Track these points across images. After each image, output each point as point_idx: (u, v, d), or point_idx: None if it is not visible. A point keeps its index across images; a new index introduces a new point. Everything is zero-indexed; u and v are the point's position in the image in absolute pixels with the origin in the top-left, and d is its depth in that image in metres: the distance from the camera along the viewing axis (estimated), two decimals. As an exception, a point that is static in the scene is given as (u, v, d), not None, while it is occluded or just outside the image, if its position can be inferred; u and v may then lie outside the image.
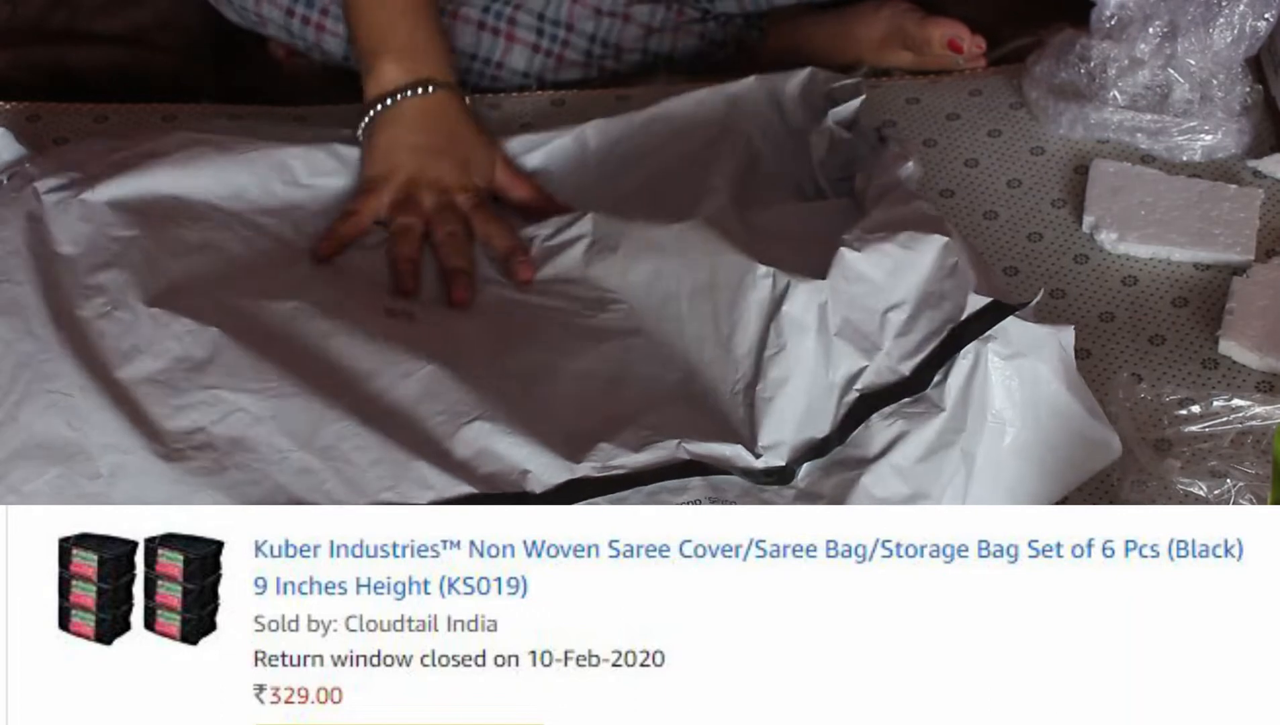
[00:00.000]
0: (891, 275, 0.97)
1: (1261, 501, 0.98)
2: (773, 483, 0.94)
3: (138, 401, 0.94)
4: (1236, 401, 1.03)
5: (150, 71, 1.38)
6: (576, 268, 1.08)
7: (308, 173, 1.13)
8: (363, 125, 1.15)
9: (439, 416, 0.95)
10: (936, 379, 0.94)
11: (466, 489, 0.91)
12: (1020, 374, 0.93)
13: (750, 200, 1.12)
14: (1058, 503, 0.96)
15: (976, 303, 0.94)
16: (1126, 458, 1.01)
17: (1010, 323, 0.93)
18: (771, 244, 1.04)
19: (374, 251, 1.10)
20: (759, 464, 0.95)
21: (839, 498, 0.92)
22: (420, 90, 1.14)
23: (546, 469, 0.92)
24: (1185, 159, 1.24)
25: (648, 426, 0.96)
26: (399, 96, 1.14)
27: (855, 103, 1.18)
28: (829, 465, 0.95)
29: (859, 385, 0.95)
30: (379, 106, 1.14)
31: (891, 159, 1.12)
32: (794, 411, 0.96)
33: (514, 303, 1.07)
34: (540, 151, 1.20)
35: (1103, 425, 0.96)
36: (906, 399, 0.94)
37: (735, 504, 0.91)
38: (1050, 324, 0.94)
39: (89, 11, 1.42)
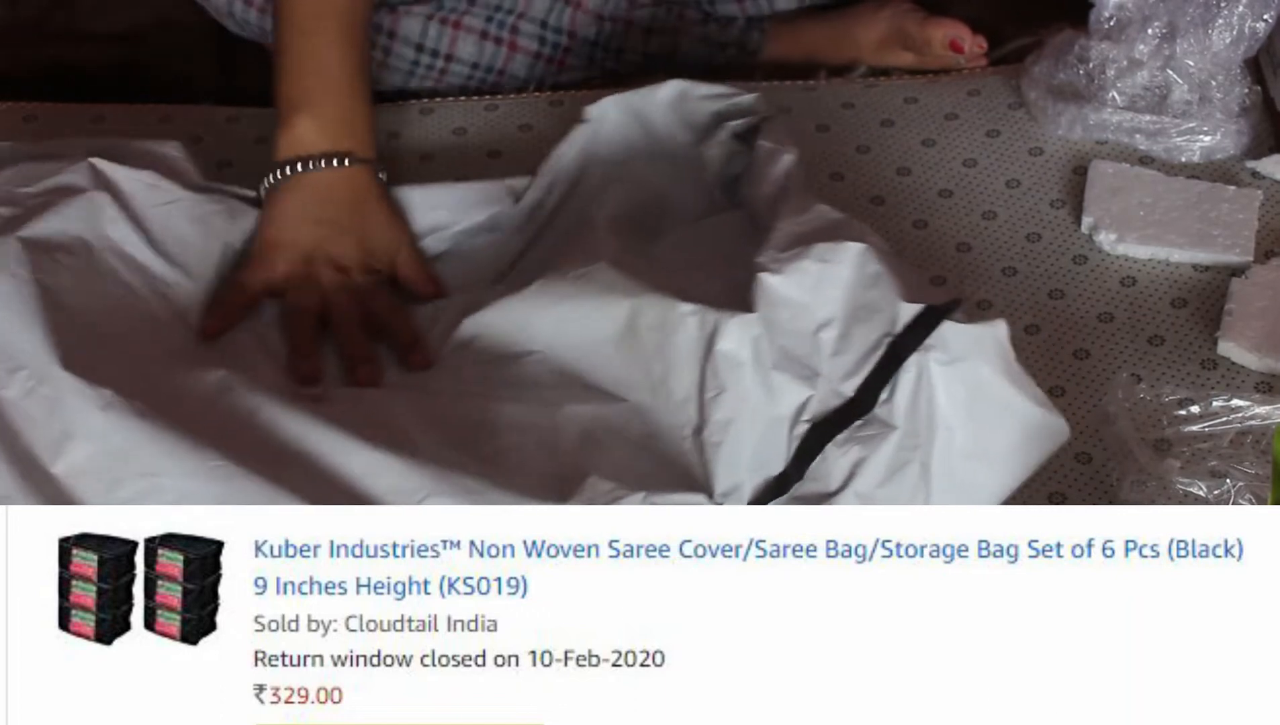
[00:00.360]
0: (814, 292, 0.95)
1: (1261, 501, 0.98)
2: None
3: (78, 501, 0.90)
4: (1236, 402, 1.03)
5: (150, 71, 1.39)
6: (477, 326, 1.03)
7: (231, 231, 1.09)
8: (267, 183, 1.08)
9: (388, 497, 0.91)
10: (883, 397, 0.92)
11: None
12: (963, 378, 0.91)
13: (643, 230, 1.09)
14: (1019, 490, 0.95)
15: (909, 312, 0.92)
16: (1126, 458, 1.01)
17: (946, 328, 0.91)
18: (680, 276, 1.02)
19: (272, 328, 1.05)
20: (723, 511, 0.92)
21: None
22: (336, 162, 1.07)
23: None
24: (1184, 160, 1.24)
25: (607, 476, 0.92)
26: (312, 165, 1.07)
27: (752, 120, 1.14)
28: (790, 502, 0.93)
29: (806, 415, 0.94)
30: (289, 170, 1.07)
31: (767, 156, 1.08)
32: (745, 452, 0.94)
33: (427, 373, 1.02)
34: (450, 234, 1.14)
35: (1048, 411, 0.93)
36: (857, 422, 0.93)
37: None
38: (981, 321, 0.92)
39: (89, 11, 1.42)
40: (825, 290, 0.95)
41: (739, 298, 0.96)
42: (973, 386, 0.92)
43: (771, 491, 0.93)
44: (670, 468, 0.95)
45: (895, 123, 1.28)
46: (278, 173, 1.08)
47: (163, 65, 1.39)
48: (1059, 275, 1.17)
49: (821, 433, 0.93)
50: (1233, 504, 0.98)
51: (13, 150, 1.12)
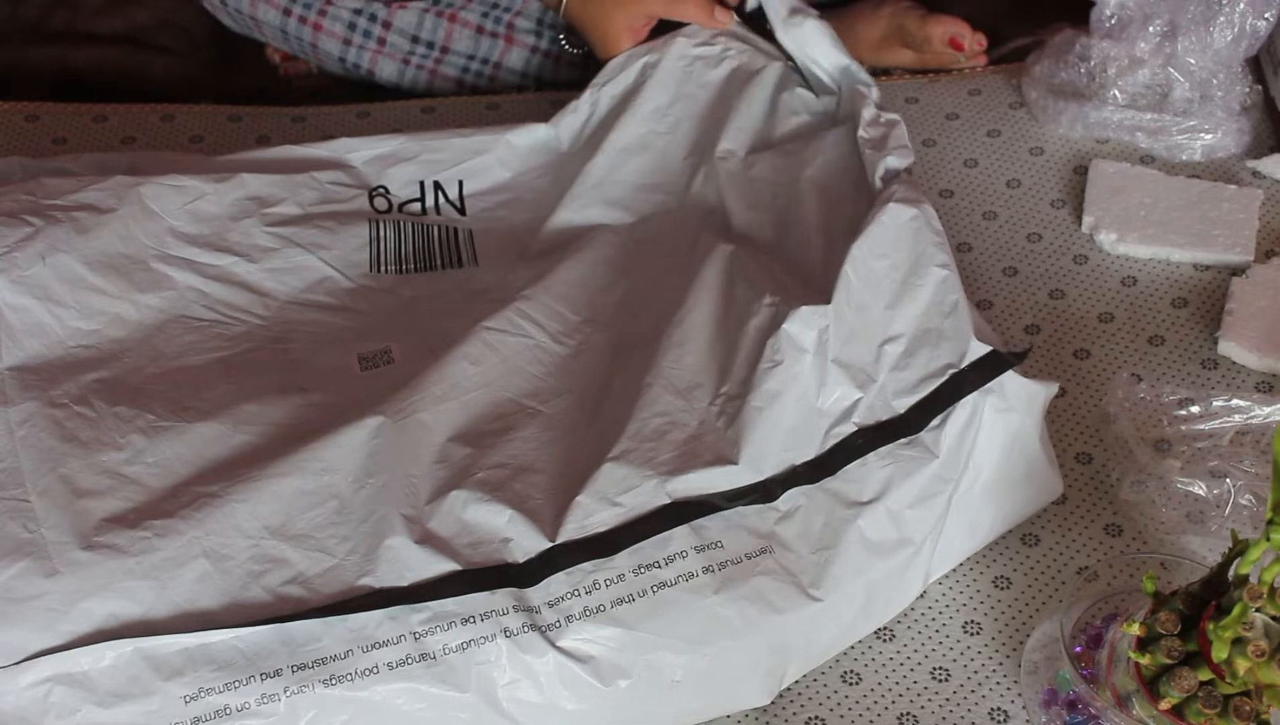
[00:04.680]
0: (890, 307, 0.97)
1: (1261, 502, 0.98)
2: (754, 502, 0.92)
3: (103, 493, 0.91)
4: (1236, 401, 1.03)
5: (150, 71, 1.38)
6: (563, 285, 1.05)
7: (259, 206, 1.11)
8: (564, 5, 1.25)
9: (413, 481, 0.92)
10: (933, 423, 0.94)
11: (447, 567, 0.88)
12: (1007, 428, 0.95)
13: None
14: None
15: (978, 351, 0.94)
16: (1126, 458, 1.01)
17: (1009, 378, 0.94)
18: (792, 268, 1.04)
19: (336, 313, 1.06)
20: (742, 479, 0.92)
21: (833, 539, 0.91)
22: None
23: (526, 536, 0.89)
24: (1185, 158, 1.24)
25: (625, 461, 0.92)
26: None
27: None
28: (814, 493, 0.93)
29: (856, 418, 0.94)
30: None
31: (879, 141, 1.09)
32: (781, 428, 0.94)
33: (490, 340, 1.01)
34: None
35: (1054, 471, 0.99)
36: (903, 440, 0.94)
37: (720, 545, 0.89)
38: (1039, 380, 0.96)
39: (89, 11, 1.42)
40: (901, 307, 0.97)
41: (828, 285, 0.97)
42: (1012, 437, 0.95)
43: (798, 477, 0.93)
44: (690, 445, 0.94)
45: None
46: (561, 3, 1.23)
47: (163, 65, 1.39)
48: (1059, 275, 1.17)
49: (868, 438, 0.94)
50: (1232, 503, 0.98)
51: (22, 165, 1.12)
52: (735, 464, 0.92)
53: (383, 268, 1.09)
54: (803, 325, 0.95)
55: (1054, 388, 0.97)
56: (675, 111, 1.18)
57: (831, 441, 0.94)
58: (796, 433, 0.94)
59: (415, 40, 1.31)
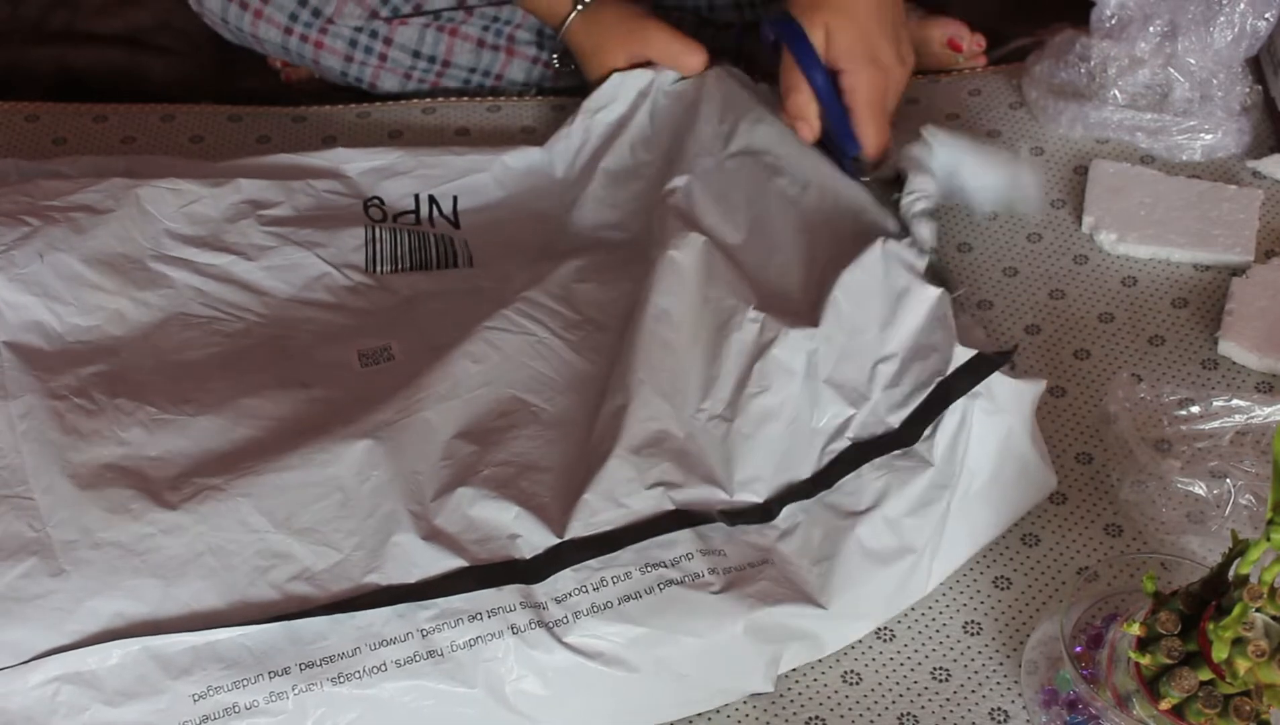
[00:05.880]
0: (884, 328, 0.98)
1: (1261, 502, 0.98)
2: (754, 522, 0.92)
3: (106, 489, 0.90)
4: (1236, 401, 1.03)
5: (150, 72, 1.38)
6: (561, 287, 1.05)
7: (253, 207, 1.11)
8: (556, 50, 1.26)
9: (419, 478, 0.92)
10: (925, 433, 0.94)
11: (454, 563, 0.88)
12: (996, 430, 0.95)
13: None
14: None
15: (962, 356, 0.95)
16: (1126, 458, 1.01)
17: (995, 379, 0.94)
18: (777, 281, 1.04)
19: (335, 311, 1.06)
20: (735, 501, 0.93)
21: (832, 549, 0.92)
22: None
23: (534, 532, 0.89)
24: (1185, 158, 1.24)
25: (627, 460, 0.92)
26: None
27: None
28: (813, 508, 0.94)
29: (849, 433, 0.95)
30: (570, 17, 1.23)
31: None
32: (774, 452, 0.95)
33: (492, 338, 1.00)
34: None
35: (1047, 468, 0.99)
36: (897, 452, 0.94)
37: (724, 553, 0.90)
38: (1027, 378, 0.96)
39: (89, 12, 1.42)
40: (896, 329, 0.97)
41: (813, 311, 0.98)
42: (1002, 438, 0.95)
43: (794, 494, 0.94)
44: (686, 454, 0.94)
45: (896, 124, 1.27)
46: (562, 27, 1.23)
47: (163, 65, 1.39)
48: (1060, 275, 1.17)
49: (862, 452, 0.95)
50: (1232, 504, 0.98)
51: (18, 167, 1.12)
52: (729, 493, 0.93)
53: (379, 268, 1.09)
54: (791, 350, 0.97)
55: (1042, 384, 0.96)
56: (662, 140, 1.18)
57: (827, 458, 0.95)
58: (791, 454, 0.95)
59: (417, 55, 1.31)
